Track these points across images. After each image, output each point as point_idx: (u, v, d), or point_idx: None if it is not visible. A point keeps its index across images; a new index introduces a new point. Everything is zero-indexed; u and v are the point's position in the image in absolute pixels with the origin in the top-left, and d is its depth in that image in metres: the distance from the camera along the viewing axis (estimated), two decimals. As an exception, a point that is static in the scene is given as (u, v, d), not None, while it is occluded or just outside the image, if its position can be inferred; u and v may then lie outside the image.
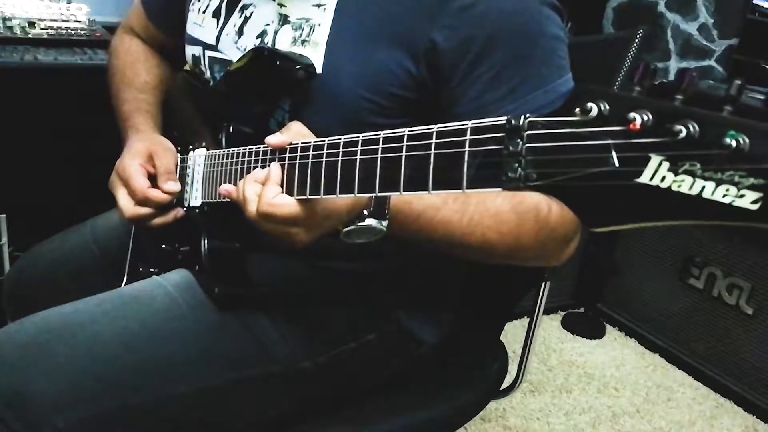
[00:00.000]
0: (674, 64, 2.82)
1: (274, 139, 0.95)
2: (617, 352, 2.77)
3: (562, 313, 2.95)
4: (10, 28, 2.05)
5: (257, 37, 1.19)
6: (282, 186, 0.93)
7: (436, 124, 0.75)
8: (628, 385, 2.57)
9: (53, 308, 1.12)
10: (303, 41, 1.11)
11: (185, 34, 1.36)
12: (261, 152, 0.98)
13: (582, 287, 2.97)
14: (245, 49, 1.20)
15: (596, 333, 2.86)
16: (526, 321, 1.55)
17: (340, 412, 1.23)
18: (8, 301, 1.48)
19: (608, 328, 2.92)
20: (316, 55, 1.09)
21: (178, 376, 1.07)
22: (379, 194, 0.92)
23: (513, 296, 1.52)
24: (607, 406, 2.44)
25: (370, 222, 0.91)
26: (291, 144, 0.93)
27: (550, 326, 2.87)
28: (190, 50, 1.34)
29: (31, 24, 2.08)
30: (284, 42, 1.14)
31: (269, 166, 0.95)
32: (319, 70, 1.08)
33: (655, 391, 2.56)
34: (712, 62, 2.79)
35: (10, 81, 1.90)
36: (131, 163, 1.21)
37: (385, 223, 0.91)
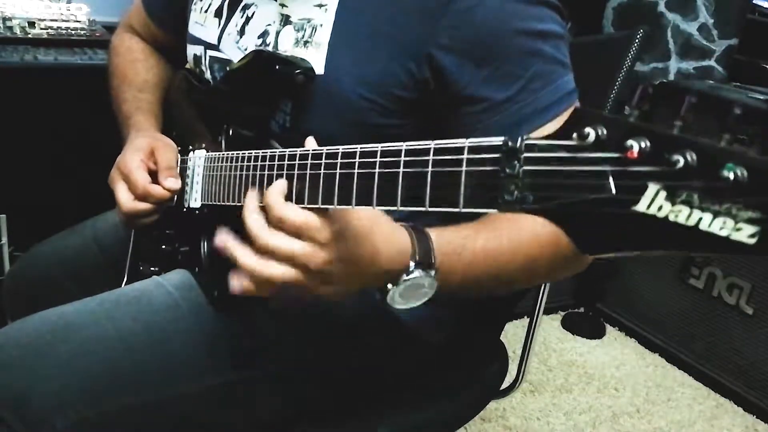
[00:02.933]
0: (674, 64, 2.82)
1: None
2: (617, 352, 2.78)
3: (562, 313, 2.95)
4: (10, 28, 2.05)
5: (259, 38, 1.19)
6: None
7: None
8: (628, 385, 2.57)
9: (53, 308, 1.11)
10: (305, 42, 1.11)
11: (187, 34, 1.36)
12: (260, 157, 0.98)
13: (582, 287, 2.97)
14: (246, 50, 1.20)
15: (596, 333, 2.86)
16: (526, 321, 1.56)
17: (339, 412, 1.24)
18: (8, 301, 1.48)
19: (608, 328, 2.92)
20: (318, 55, 1.09)
21: (178, 376, 1.07)
22: (421, 240, 0.85)
23: (513, 296, 1.51)
24: (607, 406, 2.45)
25: (418, 273, 0.83)
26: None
27: (550, 326, 2.87)
28: (192, 50, 1.35)
29: (31, 24, 2.08)
30: (287, 43, 1.14)
31: (265, 174, 0.95)
32: (320, 71, 1.08)
33: (655, 391, 2.56)
34: (712, 62, 2.78)
35: (10, 81, 1.90)
36: (132, 158, 1.21)
37: (433, 273, 0.85)
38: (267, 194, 0.87)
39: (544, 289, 1.52)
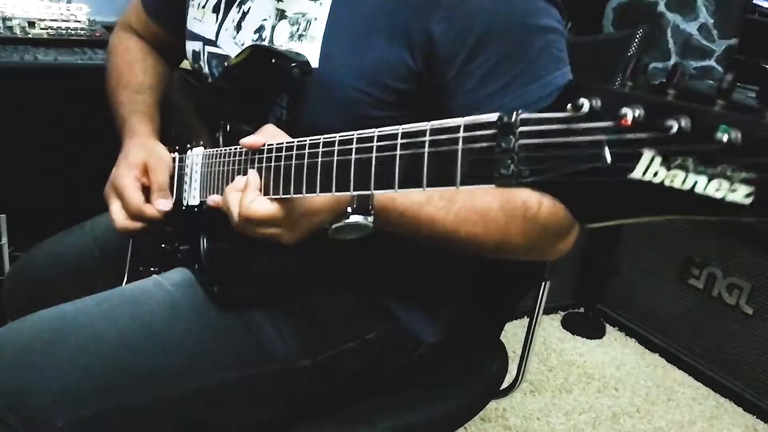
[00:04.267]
0: (674, 64, 2.81)
1: (249, 140, 0.99)
2: (617, 352, 2.77)
3: (562, 313, 2.95)
4: (10, 28, 2.05)
5: (255, 32, 1.19)
6: (262, 190, 0.96)
7: (434, 116, 0.75)
8: (628, 385, 2.57)
9: (53, 308, 1.11)
10: (300, 36, 1.11)
11: (185, 30, 1.36)
12: (258, 152, 0.98)
13: (582, 287, 2.97)
14: (243, 45, 1.21)
15: (596, 333, 2.86)
16: (526, 321, 1.55)
17: (339, 411, 1.23)
18: (8, 301, 1.48)
19: (608, 328, 2.91)
20: (312, 49, 1.09)
21: (178, 375, 1.07)
22: (359, 193, 0.93)
23: (513, 296, 1.51)
24: (607, 406, 2.44)
25: (356, 218, 0.92)
26: (268, 144, 0.96)
27: (550, 326, 2.86)
28: (191, 45, 1.35)
29: (31, 24, 2.08)
30: (281, 37, 1.14)
31: (263, 166, 0.96)
32: (315, 64, 1.08)
33: (655, 391, 2.56)
34: (712, 62, 2.78)
35: (10, 81, 1.90)
36: (126, 175, 1.21)
37: (370, 219, 0.93)
38: (226, 191, 1.00)
39: (544, 289, 1.52)
